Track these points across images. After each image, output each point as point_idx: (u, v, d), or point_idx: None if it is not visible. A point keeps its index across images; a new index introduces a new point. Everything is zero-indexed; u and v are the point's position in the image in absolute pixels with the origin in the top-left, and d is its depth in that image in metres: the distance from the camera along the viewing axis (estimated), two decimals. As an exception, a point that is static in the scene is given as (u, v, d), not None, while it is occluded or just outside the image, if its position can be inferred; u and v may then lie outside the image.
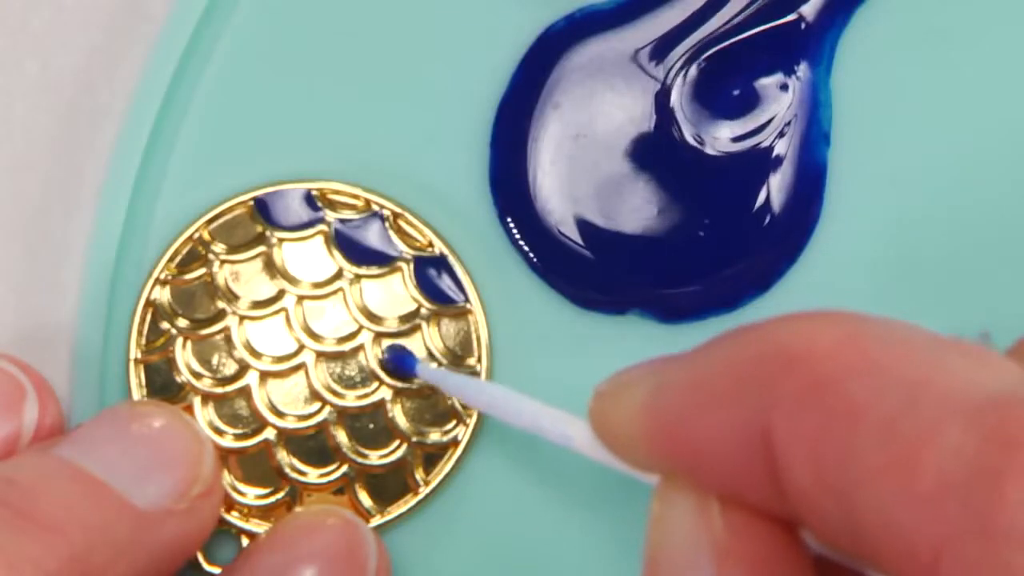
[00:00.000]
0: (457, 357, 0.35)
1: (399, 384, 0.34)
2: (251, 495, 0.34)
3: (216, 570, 0.34)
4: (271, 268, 0.35)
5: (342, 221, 0.35)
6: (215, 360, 0.35)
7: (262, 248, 0.35)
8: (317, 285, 0.35)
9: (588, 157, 0.35)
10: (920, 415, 0.23)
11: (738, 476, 0.25)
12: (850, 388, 0.24)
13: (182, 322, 0.35)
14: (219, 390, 0.35)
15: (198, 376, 0.35)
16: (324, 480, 0.35)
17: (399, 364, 0.34)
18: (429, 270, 0.35)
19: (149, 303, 0.35)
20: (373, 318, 0.35)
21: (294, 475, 0.34)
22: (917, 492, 0.22)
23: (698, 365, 0.26)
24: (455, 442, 0.34)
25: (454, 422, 0.34)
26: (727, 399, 0.25)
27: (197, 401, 0.35)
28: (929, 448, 0.23)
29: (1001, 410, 0.22)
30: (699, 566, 0.25)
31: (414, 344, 0.35)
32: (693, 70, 0.35)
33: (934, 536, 0.22)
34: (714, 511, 0.26)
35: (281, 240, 0.35)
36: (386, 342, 0.35)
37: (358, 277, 0.35)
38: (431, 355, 0.35)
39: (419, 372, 0.34)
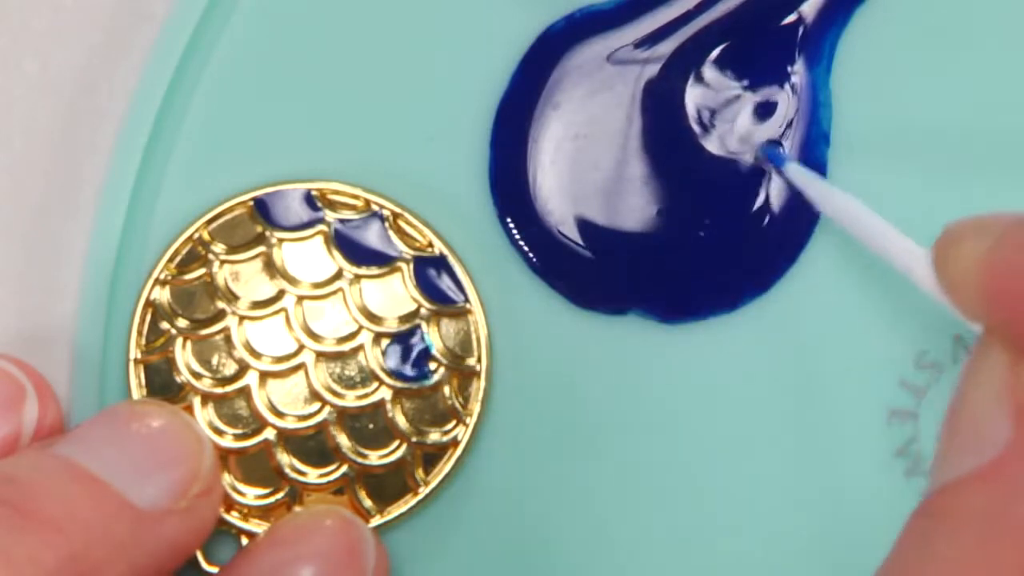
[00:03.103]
0: (457, 357, 0.35)
1: (399, 384, 0.35)
2: (251, 495, 0.34)
3: (215, 570, 0.34)
4: (271, 268, 0.35)
5: (342, 221, 0.35)
6: (215, 360, 0.35)
7: (262, 248, 0.35)
8: (317, 285, 0.35)
9: (588, 157, 0.35)
10: None
11: None
12: None
13: (182, 322, 0.35)
14: (219, 390, 0.35)
15: (198, 376, 0.35)
16: (324, 480, 0.35)
17: (771, 157, 0.34)
18: (429, 270, 0.35)
19: (149, 303, 0.35)
20: (373, 318, 0.35)
21: (294, 475, 0.34)
22: None
23: None
24: (455, 442, 0.34)
25: (454, 422, 0.34)
26: None
27: (197, 401, 0.35)
28: None
29: None
30: (998, 422, 0.26)
31: (414, 344, 0.35)
32: (693, 71, 0.35)
33: None
34: None
35: (281, 240, 0.35)
36: (385, 342, 0.35)
37: (358, 277, 0.35)
38: (431, 355, 0.35)
39: (787, 171, 0.34)
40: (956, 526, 0.26)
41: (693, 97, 0.35)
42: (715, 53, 0.35)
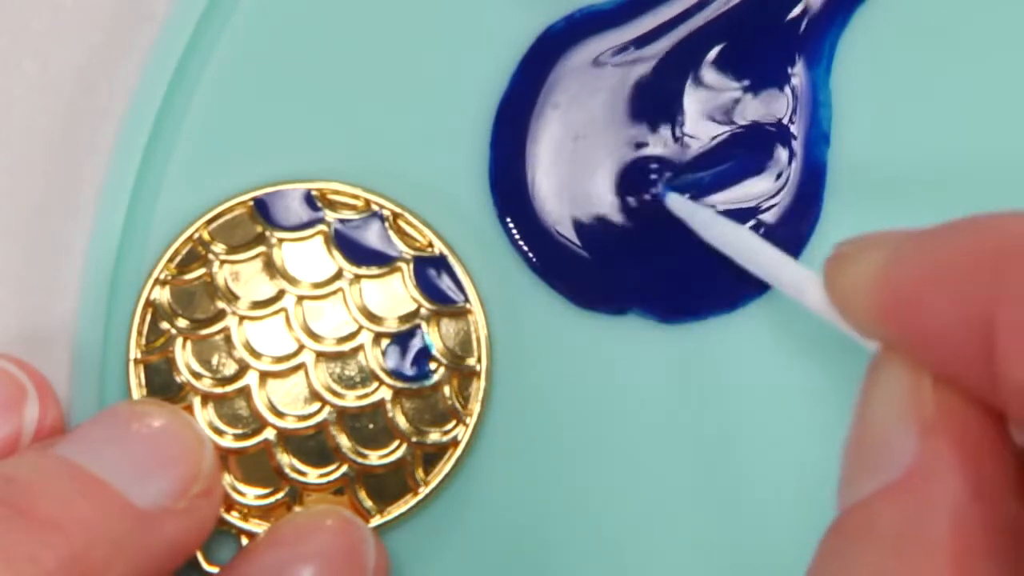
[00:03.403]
0: (457, 357, 0.35)
1: (399, 384, 0.35)
2: (251, 495, 0.34)
3: (215, 570, 0.34)
4: (271, 268, 0.35)
5: (342, 221, 0.35)
6: (215, 360, 0.35)
7: (262, 248, 0.35)
8: (317, 285, 0.35)
9: (588, 157, 0.35)
10: None
11: (957, 358, 0.25)
12: None
13: (182, 322, 0.35)
14: (219, 390, 0.35)
15: (198, 376, 0.35)
16: (324, 480, 0.35)
17: (640, 179, 0.34)
18: (429, 270, 0.35)
19: (149, 303, 0.35)
20: (373, 318, 0.35)
21: (294, 475, 0.34)
22: None
23: (936, 245, 0.26)
24: (455, 442, 0.34)
25: (454, 422, 0.34)
26: (959, 283, 0.25)
27: (197, 401, 0.35)
28: None
29: None
30: (903, 438, 0.26)
31: (414, 344, 0.35)
32: (692, 71, 0.35)
33: None
34: (926, 387, 0.26)
35: (281, 240, 0.35)
36: (385, 342, 0.35)
37: (358, 277, 0.35)
38: (431, 355, 0.35)
39: (668, 202, 0.34)
40: (870, 542, 0.25)
41: (693, 96, 0.35)
42: (714, 53, 0.35)
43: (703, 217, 0.34)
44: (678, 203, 0.34)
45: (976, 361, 0.25)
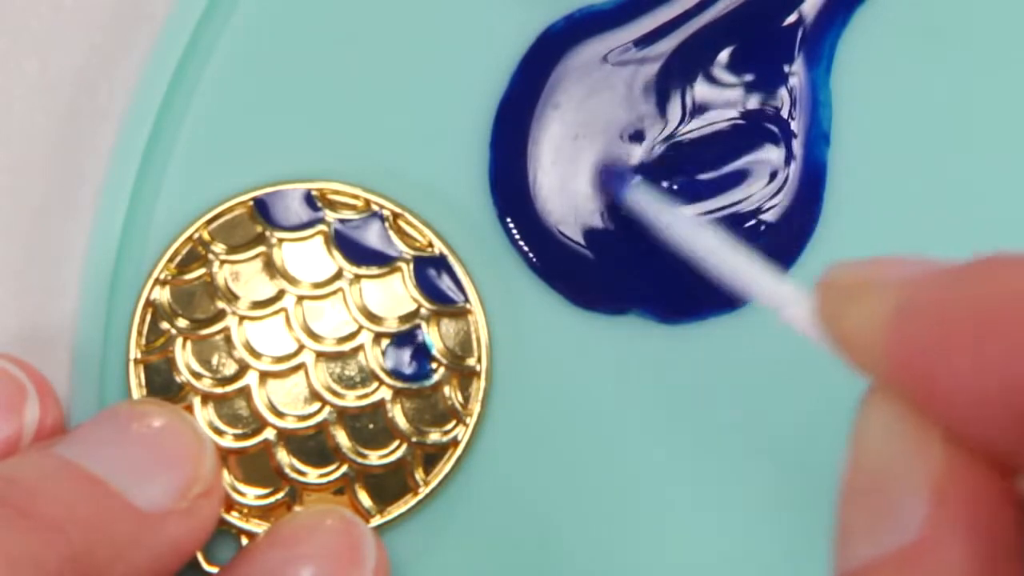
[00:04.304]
0: (457, 357, 0.35)
1: (399, 384, 0.35)
2: (251, 495, 0.34)
3: (215, 570, 0.34)
4: (271, 268, 0.35)
5: (342, 221, 0.35)
6: (215, 360, 0.35)
7: (262, 248, 0.35)
8: (317, 285, 0.35)
9: (588, 157, 0.35)
10: None
11: (980, 418, 0.23)
12: None
13: (182, 322, 0.35)
14: (219, 390, 0.35)
15: (198, 376, 0.35)
16: (324, 480, 0.35)
17: (610, 181, 0.33)
18: (429, 270, 0.35)
19: (149, 303, 0.35)
20: (373, 318, 0.35)
21: (294, 475, 0.34)
22: None
23: (957, 294, 0.24)
24: (455, 442, 0.34)
25: (454, 422, 0.34)
26: (980, 340, 0.23)
27: (197, 401, 0.35)
28: None
29: None
30: (911, 500, 0.24)
31: (414, 344, 0.35)
32: (693, 70, 0.35)
33: None
34: (937, 444, 0.24)
35: (281, 240, 0.35)
36: (385, 342, 0.35)
37: (358, 277, 0.35)
38: (431, 355, 0.35)
39: (627, 198, 0.33)
40: None
41: (693, 96, 0.35)
42: (715, 53, 0.35)
43: (667, 219, 0.32)
44: (638, 198, 0.33)
45: (1003, 418, 0.23)
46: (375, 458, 0.34)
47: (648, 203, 0.33)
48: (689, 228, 0.31)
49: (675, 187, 0.35)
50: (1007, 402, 0.23)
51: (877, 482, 0.25)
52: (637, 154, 0.35)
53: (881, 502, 0.24)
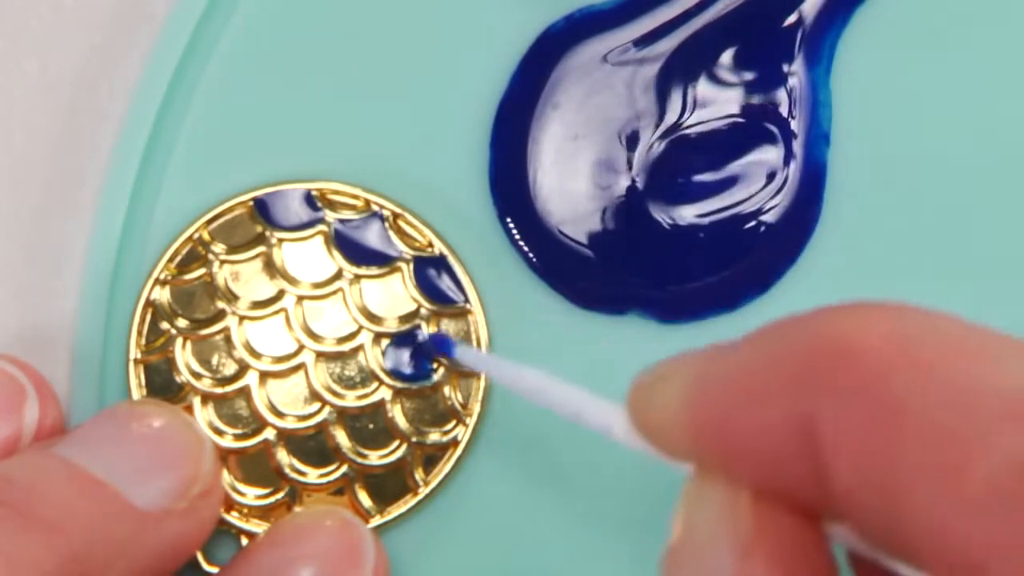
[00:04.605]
0: (457, 357, 0.35)
1: (399, 384, 0.35)
2: (251, 495, 0.34)
3: (215, 570, 0.34)
4: (271, 268, 0.35)
5: (342, 221, 0.35)
6: (215, 360, 0.35)
7: (262, 248, 0.35)
8: (317, 285, 0.35)
9: (588, 157, 0.35)
10: (971, 416, 0.22)
11: (778, 470, 0.24)
12: (899, 386, 0.23)
13: (182, 322, 0.35)
14: (219, 390, 0.35)
15: (198, 376, 0.35)
16: (324, 480, 0.35)
17: (438, 346, 0.34)
18: (429, 270, 0.35)
19: (149, 303, 0.35)
20: (373, 318, 0.35)
21: (294, 475, 0.34)
22: (966, 496, 0.22)
23: (741, 358, 0.25)
24: (455, 442, 0.34)
25: (454, 422, 0.34)
26: (772, 393, 0.24)
27: (197, 401, 0.35)
28: (980, 452, 0.22)
29: None
30: (720, 559, 0.25)
31: (414, 344, 0.35)
32: (693, 70, 0.35)
33: (982, 542, 0.22)
34: (743, 506, 0.25)
35: (281, 240, 0.35)
36: (385, 342, 0.35)
37: (358, 277, 0.35)
38: (431, 355, 0.35)
39: (458, 355, 0.34)
40: None
41: (692, 96, 0.35)
42: (715, 53, 0.35)
43: (494, 365, 0.33)
44: (467, 355, 0.34)
45: (800, 469, 0.24)
46: (375, 458, 0.34)
47: (476, 358, 0.34)
48: (513, 372, 0.32)
49: (675, 187, 0.35)
50: (799, 453, 0.24)
51: (692, 550, 0.25)
52: (636, 154, 0.35)
53: (694, 566, 0.25)
